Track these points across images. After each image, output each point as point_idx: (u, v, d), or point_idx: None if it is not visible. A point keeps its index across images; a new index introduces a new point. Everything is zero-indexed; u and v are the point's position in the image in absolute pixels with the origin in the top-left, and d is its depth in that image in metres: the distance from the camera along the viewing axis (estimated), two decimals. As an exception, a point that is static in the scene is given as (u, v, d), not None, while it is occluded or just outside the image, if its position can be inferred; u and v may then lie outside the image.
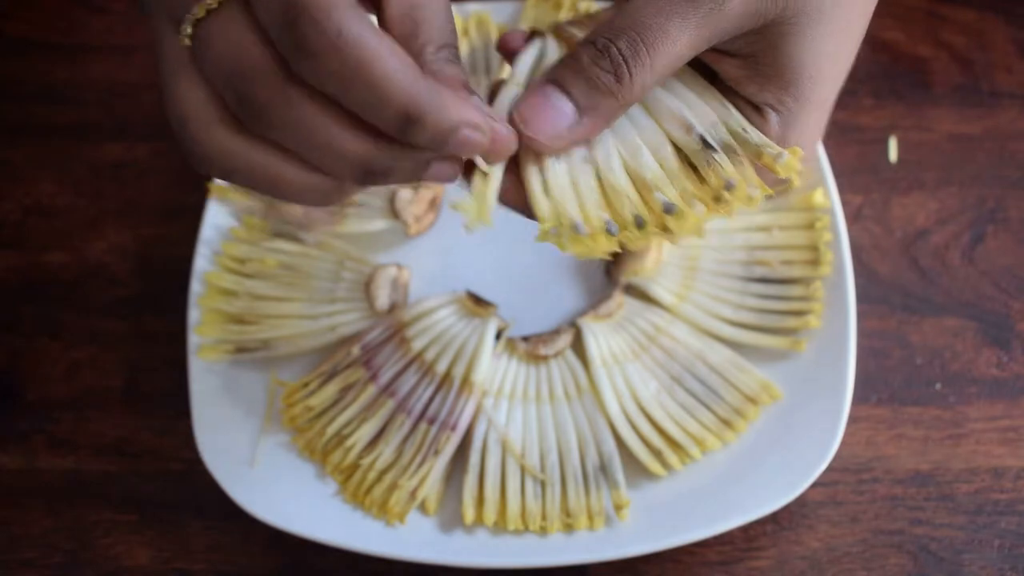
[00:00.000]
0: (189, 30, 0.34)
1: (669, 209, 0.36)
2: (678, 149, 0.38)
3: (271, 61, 0.33)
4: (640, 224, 0.36)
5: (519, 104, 0.37)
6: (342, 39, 0.31)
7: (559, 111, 0.36)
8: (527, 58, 0.40)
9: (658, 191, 0.37)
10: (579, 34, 0.39)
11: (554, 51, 0.39)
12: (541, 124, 0.36)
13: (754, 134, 0.37)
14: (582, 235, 0.36)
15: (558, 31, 0.40)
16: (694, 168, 0.38)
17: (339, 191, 0.36)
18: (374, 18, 0.35)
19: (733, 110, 0.38)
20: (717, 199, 0.36)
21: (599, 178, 0.37)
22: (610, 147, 0.38)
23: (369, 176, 0.35)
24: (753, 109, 0.38)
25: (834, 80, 0.38)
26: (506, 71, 0.62)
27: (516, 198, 0.38)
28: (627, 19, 0.36)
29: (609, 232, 0.36)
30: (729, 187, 0.36)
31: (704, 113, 0.38)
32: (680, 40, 0.35)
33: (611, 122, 0.37)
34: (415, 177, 0.35)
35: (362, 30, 0.32)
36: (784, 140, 0.38)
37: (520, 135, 0.36)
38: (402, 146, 0.34)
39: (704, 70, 0.39)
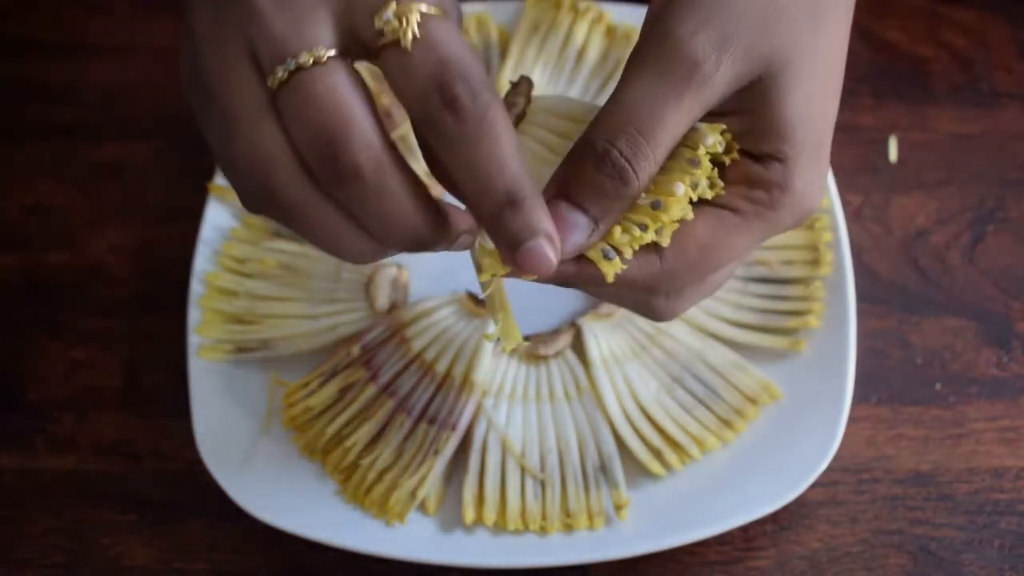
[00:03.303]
0: (283, 75, 0.33)
1: (656, 205, 0.36)
2: None
3: (370, 127, 0.33)
4: (642, 229, 0.37)
5: None
6: (481, 102, 0.33)
7: (575, 225, 0.36)
8: None
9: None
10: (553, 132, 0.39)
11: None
12: (563, 242, 0.36)
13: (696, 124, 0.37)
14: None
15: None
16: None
17: (381, 254, 0.37)
18: None
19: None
20: (687, 166, 0.37)
21: None
22: None
23: (418, 248, 0.36)
24: (753, 160, 0.38)
25: (825, 120, 0.39)
26: (506, 72, 0.62)
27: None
28: (622, 115, 0.36)
29: (607, 257, 0.37)
30: (694, 163, 0.36)
31: None
32: (676, 122, 0.36)
33: (621, 216, 0.37)
34: (458, 246, 0.37)
35: (499, 107, 0.33)
36: (790, 187, 0.38)
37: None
38: (457, 218, 0.36)
39: None
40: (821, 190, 0.39)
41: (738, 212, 0.38)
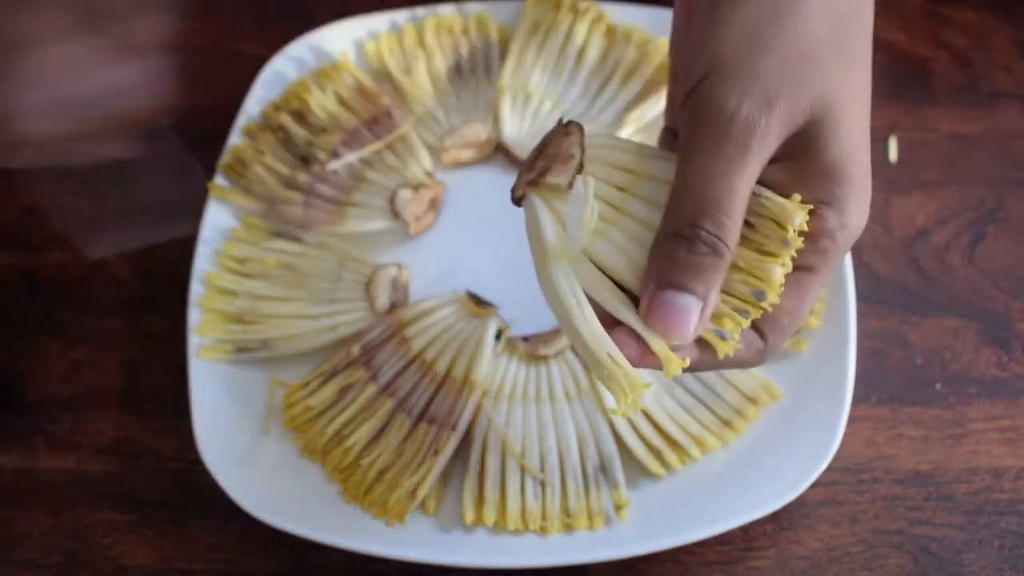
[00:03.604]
0: None
1: (760, 295, 0.38)
2: None
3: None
4: (745, 316, 0.38)
5: (649, 318, 0.38)
6: None
7: (686, 309, 0.37)
8: (548, 229, 0.39)
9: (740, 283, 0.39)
10: (559, 177, 0.39)
11: (543, 210, 0.39)
12: (679, 329, 0.38)
13: (770, 197, 0.38)
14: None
15: (537, 185, 0.39)
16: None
17: None
18: None
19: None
20: (780, 247, 0.38)
21: None
22: None
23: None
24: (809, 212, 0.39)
25: (865, 151, 0.40)
26: (506, 72, 0.62)
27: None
28: (696, 198, 0.37)
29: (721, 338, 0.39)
30: (785, 242, 0.38)
31: None
32: (746, 188, 0.37)
33: (721, 287, 0.39)
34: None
35: None
36: (847, 225, 0.39)
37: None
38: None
39: None
40: (868, 210, 0.40)
41: (812, 270, 0.40)
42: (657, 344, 0.37)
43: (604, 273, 0.39)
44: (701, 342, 0.39)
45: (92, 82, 0.43)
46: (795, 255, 0.38)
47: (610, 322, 0.38)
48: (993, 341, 0.57)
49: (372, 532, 0.51)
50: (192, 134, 0.52)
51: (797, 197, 0.38)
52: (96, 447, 0.56)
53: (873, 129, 0.65)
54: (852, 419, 0.54)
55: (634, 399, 0.37)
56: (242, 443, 0.54)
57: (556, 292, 0.38)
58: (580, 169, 0.39)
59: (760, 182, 0.39)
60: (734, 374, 0.55)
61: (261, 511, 0.51)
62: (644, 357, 0.38)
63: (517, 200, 0.40)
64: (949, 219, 0.61)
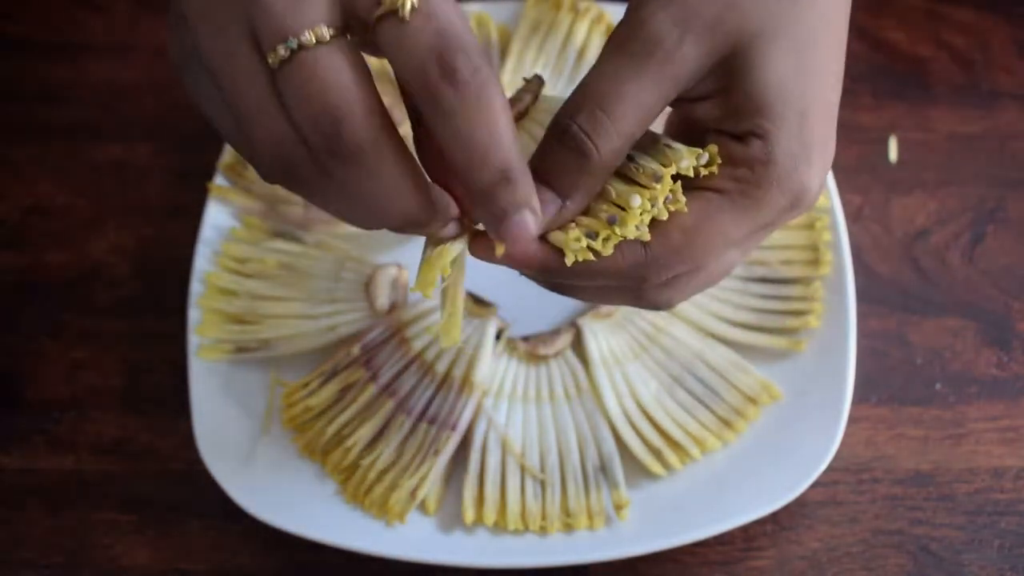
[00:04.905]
0: (285, 54, 0.33)
1: (612, 220, 0.37)
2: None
3: (372, 107, 0.33)
4: (593, 237, 0.37)
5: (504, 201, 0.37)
6: (481, 75, 0.33)
7: (544, 201, 0.36)
8: None
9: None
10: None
11: None
12: (522, 221, 0.36)
13: (676, 145, 0.38)
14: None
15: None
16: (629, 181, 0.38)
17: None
18: None
19: (661, 135, 0.38)
20: (651, 181, 0.37)
21: None
22: None
23: (409, 229, 0.36)
24: (737, 141, 0.38)
25: (810, 91, 0.38)
26: (506, 72, 0.62)
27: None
28: (582, 93, 0.37)
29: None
30: (657, 178, 0.37)
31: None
32: (640, 97, 0.36)
33: (593, 194, 0.37)
34: (438, 231, 0.37)
35: (496, 82, 0.33)
36: (772, 161, 0.37)
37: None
38: (450, 200, 0.36)
39: (689, 128, 0.40)
40: (814, 165, 0.38)
41: (722, 192, 0.38)
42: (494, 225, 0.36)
43: None
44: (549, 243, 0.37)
45: None
46: (702, 176, 0.37)
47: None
48: (993, 341, 0.57)
49: (372, 532, 0.52)
50: (193, 134, 0.52)
51: (712, 148, 0.37)
52: (96, 447, 0.56)
53: (873, 129, 0.66)
54: (852, 419, 0.54)
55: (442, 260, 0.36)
56: (242, 443, 0.54)
57: None
58: (524, 113, 0.39)
59: (692, 119, 0.38)
60: (734, 374, 0.55)
61: (261, 511, 0.51)
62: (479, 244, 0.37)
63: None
64: (949, 219, 0.61)
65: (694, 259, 0.38)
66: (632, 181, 0.37)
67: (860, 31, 0.66)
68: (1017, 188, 0.61)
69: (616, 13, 0.63)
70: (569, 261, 0.37)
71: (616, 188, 0.37)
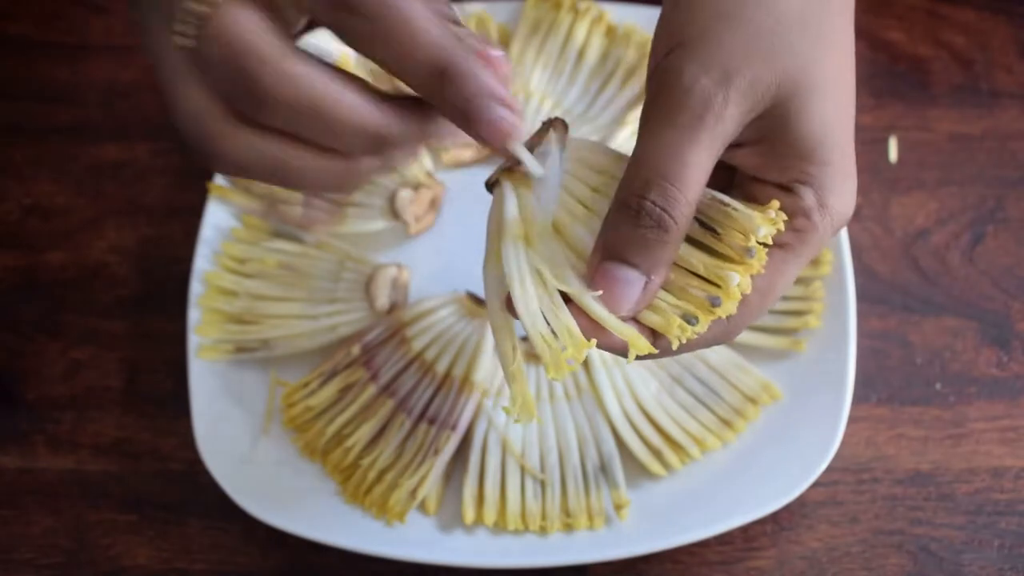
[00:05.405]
0: (190, 30, 0.34)
1: (715, 302, 0.37)
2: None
3: (278, 48, 0.34)
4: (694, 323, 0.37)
5: (592, 289, 0.37)
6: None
7: (628, 280, 0.36)
8: (510, 206, 0.39)
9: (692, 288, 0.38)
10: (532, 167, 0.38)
11: (510, 194, 0.39)
12: (620, 300, 0.36)
13: (725, 198, 0.38)
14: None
15: (511, 172, 0.39)
16: (705, 250, 0.38)
17: (351, 173, 0.37)
18: None
19: (714, 193, 0.38)
20: (743, 255, 0.37)
21: None
22: None
23: (380, 145, 0.36)
24: (782, 191, 0.38)
25: (845, 130, 0.39)
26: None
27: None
28: (645, 169, 0.36)
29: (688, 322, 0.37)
30: (748, 252, 0.37)
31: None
32: (699, 162, 0.36)
33: (671, 263, 0.38)
34: (424, 139, 0.37)
35: None
36: (825, 205, 0.38)
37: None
38: (415, 109, 0.36)
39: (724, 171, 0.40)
40: (853, 197, 0.39)
41: (787, 247, 0.39)
42: (613, 322, 0.36)
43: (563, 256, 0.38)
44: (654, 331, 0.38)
45: None
46: (763, 269, 0.37)
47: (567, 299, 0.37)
48: (993, 341, 0.57)
49: (372, 532, 0.52)
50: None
51: (775, 204, 0.37)
52: (96, 447, 0.56)
53: (873, 129, 0.66)
54: (852, 419, 0.54)
55: (575, 352, 0.36)
56: (242, 443, 0.54)
57: (504, 266, 0.38)
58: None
59: (733, 166, 0.38)
60: (734, 374, 0.55)
61: (261, 511, 0.51)
62: (597, 331, 0.36)
63: (489, 186, 0.39)
64: (949, 219, 0.61)
65: (764, 311, 0.40)
66: (699, 243, 0.37)
67: (860, 31, 0.66)
68: (1017, 188, 0.61)
69: (616, 13, 0.63)
70: (675, 346, 0.37)
71: (696, 257, 0.37)
